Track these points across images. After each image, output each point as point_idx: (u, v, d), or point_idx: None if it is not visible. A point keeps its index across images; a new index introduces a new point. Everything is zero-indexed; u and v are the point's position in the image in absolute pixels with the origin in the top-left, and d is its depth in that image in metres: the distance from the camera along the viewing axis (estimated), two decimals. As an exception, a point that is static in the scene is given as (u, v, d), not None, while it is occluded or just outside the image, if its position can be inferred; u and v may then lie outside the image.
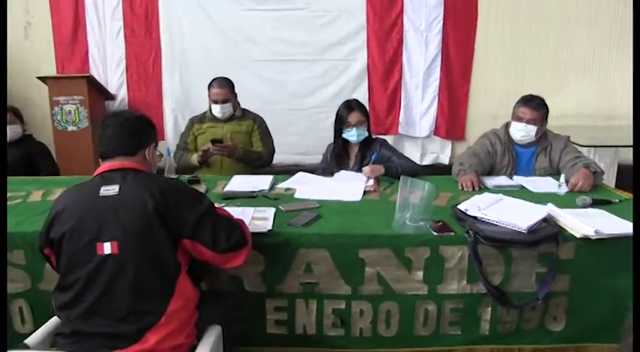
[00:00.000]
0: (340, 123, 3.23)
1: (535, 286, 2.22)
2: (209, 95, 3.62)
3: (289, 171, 3.23)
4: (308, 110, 5.48)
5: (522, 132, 3.09)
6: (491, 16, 5.44)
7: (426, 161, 5.64)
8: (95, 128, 5.04)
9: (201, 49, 5.44)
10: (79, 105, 5.08)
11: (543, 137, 3.15)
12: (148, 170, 1.92)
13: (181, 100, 5.49)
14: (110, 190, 1.77)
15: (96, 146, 4.98)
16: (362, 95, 5.28)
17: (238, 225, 1.95)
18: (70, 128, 5.11)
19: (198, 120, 3.70)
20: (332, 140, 3.36)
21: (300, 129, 5.40)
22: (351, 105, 3.23)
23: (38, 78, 5.04)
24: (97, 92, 5.35)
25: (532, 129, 3.07)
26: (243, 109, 3.72)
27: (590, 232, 2.15)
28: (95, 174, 1.86)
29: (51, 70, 5.44)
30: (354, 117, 3.17)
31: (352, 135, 3.18)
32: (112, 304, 1.72)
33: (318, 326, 2.28)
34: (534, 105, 3.07)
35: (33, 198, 2.70)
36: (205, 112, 3.70)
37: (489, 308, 2.25)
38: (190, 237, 1.81)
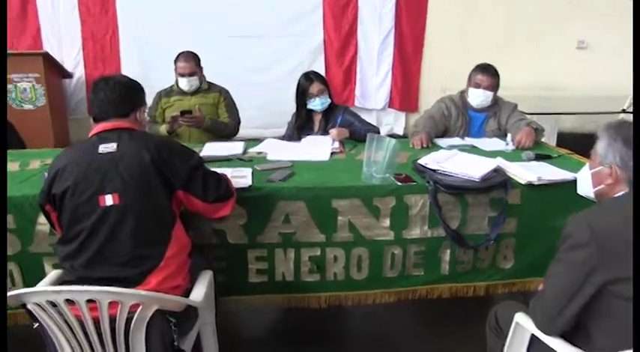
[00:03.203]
0: (303, 96, 3.41)
1: (488, 228, 2.51)
2: (175, 69, 3.73)
3: (252, 143, 3.40)
4: (266, 85, 5.62)
5: (481, 97, 3.35)
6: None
7: (382, 132, 5.87)
8: (53, 107, 5.08)
9: (159, 26, 5.49)
10: (34, 82, 5.03)
11: (495, 103, 3.43)
12: (141, 129, 2.07)
13: (140, 77, 5.50)
14: (109, 147, 1.91)
15: (55, 124, 5.08)
16: (319, 69, 5.41)
17: (224, 178, 2.14)
18: (27, 106, 5.07)
19: (166, 93, 3.82)
20: (290, 113, 3.57)
21: (258, 104, 5.46)
22: (310, 76, 3.42)
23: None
24: (54, 70, 5.30)
25: (489, 95, 3.35)
26: (209, 82, 3.86)
27: (533, 179, 2.45)
28: (91, 134, 2.00)
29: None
30: (315, 87, 3.36)
31: (316, 104, 3.38)
32: (115, 251, 1.86)
33: (296, 272, 2.48)
34: (491, 73, 3.34)
35: (12, 168, 2.72)
36: (172, 86, 3.81)
37: (448, 250, 2.52)
38: (184, 188, 1.98)
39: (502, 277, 2.63)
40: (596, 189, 1.76)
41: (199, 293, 1.97)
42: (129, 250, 1.87)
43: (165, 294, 1.83)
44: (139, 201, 1.89)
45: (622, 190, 1.65)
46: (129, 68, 5.53)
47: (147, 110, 2.25)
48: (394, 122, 5.94)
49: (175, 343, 1.88)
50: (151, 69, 5.40)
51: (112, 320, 1.72)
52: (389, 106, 5.87)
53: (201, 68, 3.79)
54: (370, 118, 5.80)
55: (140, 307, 1.73)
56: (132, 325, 1.74)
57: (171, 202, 1.97)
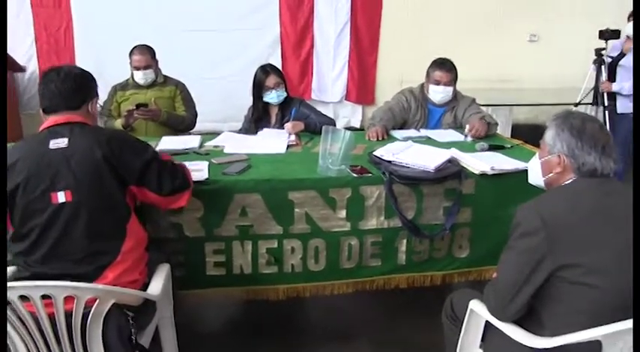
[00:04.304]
0: (259, 89, 3.40)
1: (443, 218, 2.55)
2: (130, 62, 3.68)
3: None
4: (223, 79, 5.60)
5: (441, 94, 3.39)
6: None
7: (339, 125, 5.91)
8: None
9: (115, 20, 5.40)
10: (-17, 76, 4.90)
11: (454, 97, 3.48)
12: (92, 123, 2.03)
13: (96, 71, 5.38)
14: (59, 143, 1.86)
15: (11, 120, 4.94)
16: (276, 63, 5.41)
17: (181, 168, 2.14)
18: (-25, 101, 4.93)
19: (121, 87, 3.76)
20: (248, 107, 3.55)
21: (216, 98, 5.45)
22: (266, 69, 3.41)
23: None
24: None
25: (449, 90, 3.39)
26: (165, 76, 3.81)
27: (487, 168, 2.51)
28: (42, 128, 1.95)
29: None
30: (271, 80, 3.36)
31: (272, 97, 3.37)
32: (70, 247, 1.84)
33: (254, 265, 2.49)
34: (448, 68, 3.38)
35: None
36: (128, 79, 3.76)
37: (405, 240, 2.56)
38: (137, 183, 1.96)
39: (458, 266, 2.68)
40: (546, 177, 1.81)
41: (156, 286, 1.96)
42: (84, 247, 1.85)
43: (121, 288, 1.81)
44: (92, 198, 1.86)
45: (570, 178, 1.70)
46: (83, 62, 5.40)
47: (99, 102, 2.19)
48: (351, 115, 5.98)
49: (133, 337, 1.87)
50: (107, 62, 5.28)
51: (68, 316, 1.71)
52: (346, 99, 5.92)
53: (156, 61, 3.75)
54: (327, 111, 5.81)
55: (97, 301, 1.72)
56: (88, 320, 1.73)
57: (125, 196, 1.96)
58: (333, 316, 2.93)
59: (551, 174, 1.77)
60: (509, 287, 1.64)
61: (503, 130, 5.11)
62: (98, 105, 2.17)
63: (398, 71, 5.71)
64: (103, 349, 1.78)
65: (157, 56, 3.75)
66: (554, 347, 1.55)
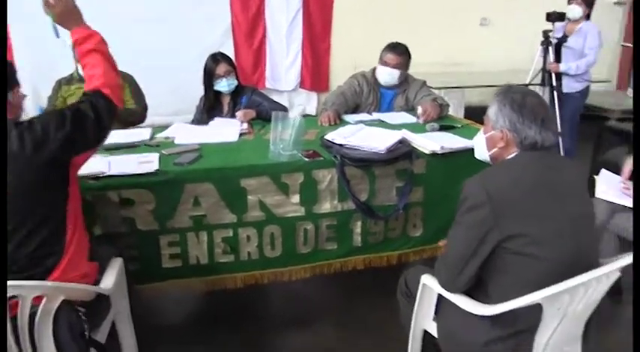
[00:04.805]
0: (210, 77, 3.37)
1: (396, 199, 2.59)
2: (74, 56, 3.58)
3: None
4: (174, 69, 5.46)
5: (387, 76, 3.42)
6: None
7: (295, 113, 5.90)
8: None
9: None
10: None
11: (405, 80, 3.51)
12: (15, 113, 1.87)
13: (37, 65, 5.21)
14: None
15: None
16: (228, 52, 5.31)
17: (100, 99, 1.90)
18: None
19: (66, 81, 3.66)
20: (200, 97, 3.52)
21: (167, 90, 5.32)
22: (216, 57, 3.38)
23: None
24: None
25: (396, 73, 3.41)
26: (113, 68, 3.72)
27: (436, 148, 2.54)
28: None
29: None
30: (221, 68, 3.32)
31: (223, 85, 3.34)
32: (13, 256, 1.73)
33: (210, 255, 2.47)
34: (399, 51, 3.41)
35: None
36: (72, 73, 3.66)
37: (359, 222, 2.58)
38: (73, 156, 1.81)
39: (413, 245, 2.72)
40: (491, 152, 1.84)
41: (109, 281, 1.92)
42: (27, 253, 1.75)
43: (69, 283, 1.77)
44: (24, 203, 1.73)
45: (514, 152, 1.74)
46: (23, 55, 5.15)
47: (23, 92, 2.02)
48: (306, 102, 5.97)
49: (86, 333, 1.83)
50: (50, 56, 5.12)
51: (16, 318, 1.65)
52: (300, 87, 5.90)
53: (101, 53, 3.65)
54: (282, 100, 5.80)
55: (44, 299, 1.67)
56: (37, 319, 1.67)
57: (66, 184, 1.81)
58: (292, 302, 2.95)
59: (495, 149, 1.80)
60: (457, 261, 1.69)
61: (456, 112, 5.19)
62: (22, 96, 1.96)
63: (351, 57, 5.71)
64: (55, 347, 1.73)
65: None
66: (501, 315, 1.61)
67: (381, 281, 2.69)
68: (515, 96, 1.72)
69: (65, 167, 1.81)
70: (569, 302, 1.60)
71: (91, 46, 2.04)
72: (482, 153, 1.91)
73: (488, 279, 1.69)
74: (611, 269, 1.62)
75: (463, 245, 1.67)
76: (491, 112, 1.77)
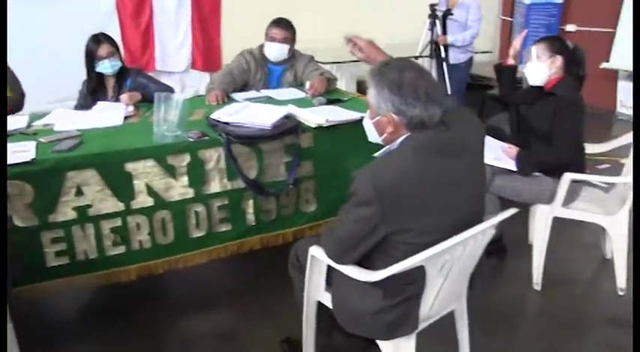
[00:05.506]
0: (91, 59, 3.22)
1: (285, 174, 2.59)
2: None
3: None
4: (54, 53, 5.15)
5: (276, 51, 3.42)
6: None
7: (186, 95, 5.75)
8: None
9: None
10: None
11: (292, 56, 3.52)
12: None
13: None
14: None
15: None
16: (113, 33, 5.09)
17: None
18: None
19: None
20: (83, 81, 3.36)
21: (46, 75, 4.89)
22: (98, 38, 3.23)
23: None
24: None
25: (285, 48, 3.42)
26: (-18, 54, 3.47)
27: (322, 121, 2.57)
28: None
29: None
30: (103, 49, 3.18)
31: (106, 67, 3.20)
32: None
33: (99, 248, 2.36)
34: (284, 26, 3.42)
35: None
36: None
37: (251, 201, 2.57)
38: None
39: (307, 220, 2.74)
40: (382, 137, 1.77)
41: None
42: None
43: None
44: None
45: (404, 134, 1.68)
46: None
47: None
48: (199, 83, 5.80)
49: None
50: None
51: None
52: (192, 68, 5.74)
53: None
54: (173, 81, 5.61)
55: None
56: None
57: None
58: (189, 287, 2.85)
59: (385, 134, 1.74)
60: (348, 242, 1.70)
61: (348, 86, 5.27)
62: None
63: (243, 36, 5.60)
64: None
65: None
66: (390, 284, 1.67)
67: (279, 261, 2.67)
68: (392, 76, 1.63)
69: None
70: (450, 261, 1.66)
71: None
72: (375, 138, 1.82)
73: (374, 256, 1.71)
74: (486, 227, 1.70)
75: (352, 233, 1.67)
76: (371, 98, 1.69)
